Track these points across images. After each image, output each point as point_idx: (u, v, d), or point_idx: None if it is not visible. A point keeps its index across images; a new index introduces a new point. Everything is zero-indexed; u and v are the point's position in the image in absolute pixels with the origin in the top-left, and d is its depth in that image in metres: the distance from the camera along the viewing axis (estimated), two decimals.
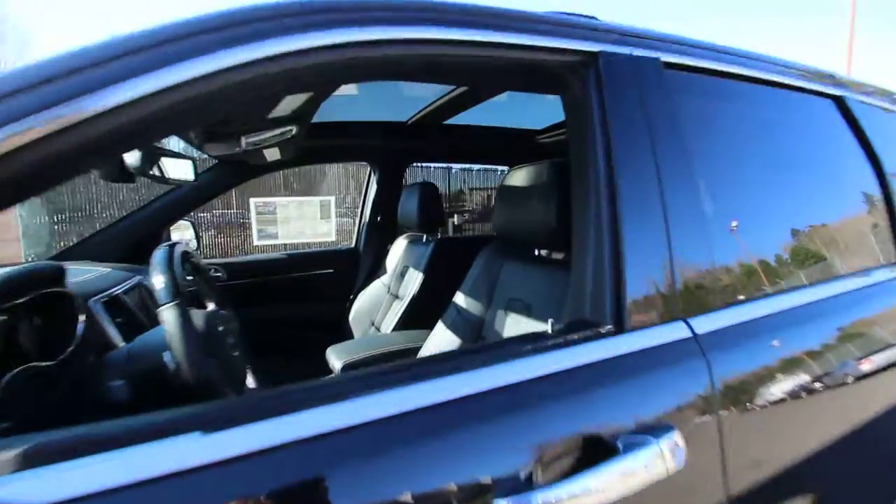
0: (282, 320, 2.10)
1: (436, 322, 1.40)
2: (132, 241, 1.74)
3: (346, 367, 1.32)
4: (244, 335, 1.07)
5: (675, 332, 0.66)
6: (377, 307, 2.02)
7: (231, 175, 1.88)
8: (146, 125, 0.47)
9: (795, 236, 0.91)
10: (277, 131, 1.21)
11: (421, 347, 1.37)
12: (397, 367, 0.58)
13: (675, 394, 0.61)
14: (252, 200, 2.45)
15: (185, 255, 0.93)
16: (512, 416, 0.53)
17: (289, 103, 0.88)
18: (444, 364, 0.57)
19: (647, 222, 0.69)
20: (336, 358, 1.36)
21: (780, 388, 0.70)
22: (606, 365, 0.60)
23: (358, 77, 0.83)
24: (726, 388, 0.65)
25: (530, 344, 0.60)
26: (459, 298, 1.36)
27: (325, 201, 2.45)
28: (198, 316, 0.81)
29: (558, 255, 1.25)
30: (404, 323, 1.71)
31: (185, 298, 0.72)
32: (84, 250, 1.66)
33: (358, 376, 0.60)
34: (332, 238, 2.55)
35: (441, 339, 1.32)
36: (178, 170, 1.25)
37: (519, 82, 0.94)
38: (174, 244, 0.84)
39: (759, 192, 0.87)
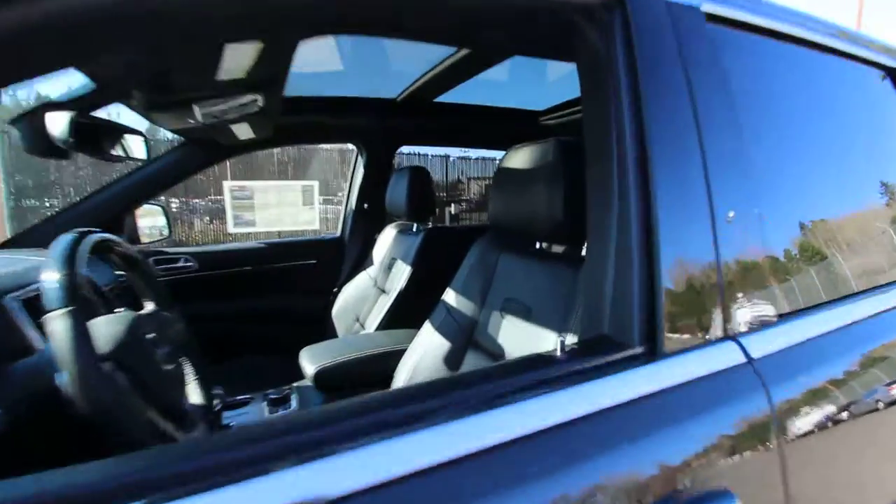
0: (259, 315, 1.94)
1: (424, 320, 1.25)
2: (92, 226, 1.56)
3: (319, 374, 1.16)
4: (194, 340, 0.91)
5: (725, 355, 0.50)
6: (363, 302, 1.86)
7: (201, 155, 1.70)
8: None
9: (863, 229, 0.75)
10: (238, 101, 1.03)
11: (405, 351, 1.22)
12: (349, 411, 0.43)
13: (732, 444, 0.46)
14: (226, 184, 2.24)
15: (109, 245, 0.76)
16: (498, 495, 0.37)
17: (236, 59, 0.72)
18: (411, 407, 0.41)
19: (688, 212, 0.53)
20: (309, 362, 1.20)
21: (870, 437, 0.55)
22: (636, 408, 0.44)
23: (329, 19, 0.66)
24: (794, 430, 0.49)
25: (530, 376, 0.45)
26: (450, 296, 1.20)
27: (307, 186, 2.26)
28: (112, 323, 0.65)
29: (562, 249, 1.09)
30: (390, 320, 1.55)
31: (87, 302, 0.56)
32: (38, 237, 1.49)
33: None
34: (316, 226, 2.37)
35: (428, 343, 1.17)
36: (125, 145, 1.08)
37: (523, 38, 0.77)
38: (86, 232, 0.67)
39: (819, 177, 0.71)
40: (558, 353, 0.49)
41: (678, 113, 0.56)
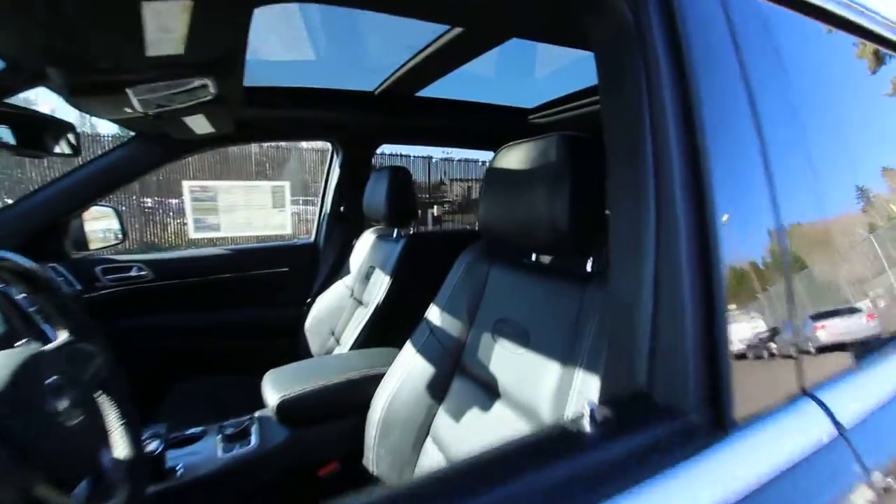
0: (222, 329, 1.76)
1: (406, 338, 1.11)
2: (23, 232, 1.37)
3: (282, 406, 1.01)
4: (121, 375, 0.74)
5: (809, 422, 0.37)
6: (338, 314, 1.70)
7: (156, 151, 1.52)
8: None
9: None
10: (184, 86, 0.87)
11: (383, 375, 1.07)
12: None
13: None
14: (186, 184, 2.04)
15: (5, 267, 0.60)
16: None
17: (164, 26, 0.56)
18: None
19: (752, 223, 0.40)
20: (272, 389, 1.04)
21: None
22: None
23: None
24: None
25: (558, 471, 0.31)
26: (433, 313, 1.06)
27: (277, 187, 2.09)
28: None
29: (558, 261, 0.96)
30: (368, 336, 1.40)
31: None
32: None
33: None
34: (288, 230, 2.19)
35: (409, 367, 1.02)
36: (46, 138, 0.90)
37: (527, 10, 0.64)
38: None
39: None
40: (587, 424, 0.35)
41: (733, 99, 0.43)
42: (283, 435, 1.03)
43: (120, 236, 1.81)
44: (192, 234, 1.97)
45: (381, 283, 1.45)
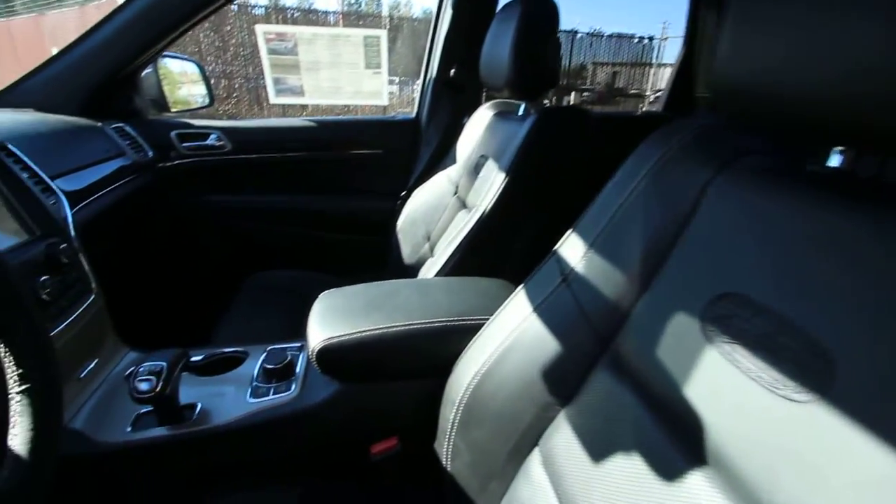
0: (305, 216, 1.51)
1: (520, 272, 0.69)
2: (80, 87, 1.16)
3: (325, 353, 0.68)
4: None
5: None
6: (436, 214, 1.31)
7: None
8: None
9: None
10: None
11: (476, 328, 0.68)
12: None
13: None
14: (259, 28, 1.58)
15: None
16: None
17: None
18: None
19: None
20: (318, 323, 0.72)
21: None
22: None
23: None
24: None
25: None
26: (574, 248, 0.60)
27: (371, 38, 1.54)
28: None
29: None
30: (466, 256, 0.99)
31: None
32: (20, 94, 1.13)
33: None
34: (384, 101, 1.73)
35: (521, 332, 0.61)
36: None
37: None
38: None
39: None
40: None
41: None
42: (330, 389, 0.73)
43: (206, 99, 1.58)
44: (273, 99, 1.65)
45: (492, 182, 0.99)
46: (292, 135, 1.48)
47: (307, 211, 1.50)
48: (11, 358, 0.40)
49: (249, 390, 0.74)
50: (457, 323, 0.72)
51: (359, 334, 0.68)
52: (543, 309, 0.61)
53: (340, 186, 1.54)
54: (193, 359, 0.80)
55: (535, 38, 0.95)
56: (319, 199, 1.52)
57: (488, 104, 1.32)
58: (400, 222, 1.41)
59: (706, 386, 0.41)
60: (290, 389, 0.74)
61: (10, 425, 0.39)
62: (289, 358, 0.79)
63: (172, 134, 1.36)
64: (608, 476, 0.47)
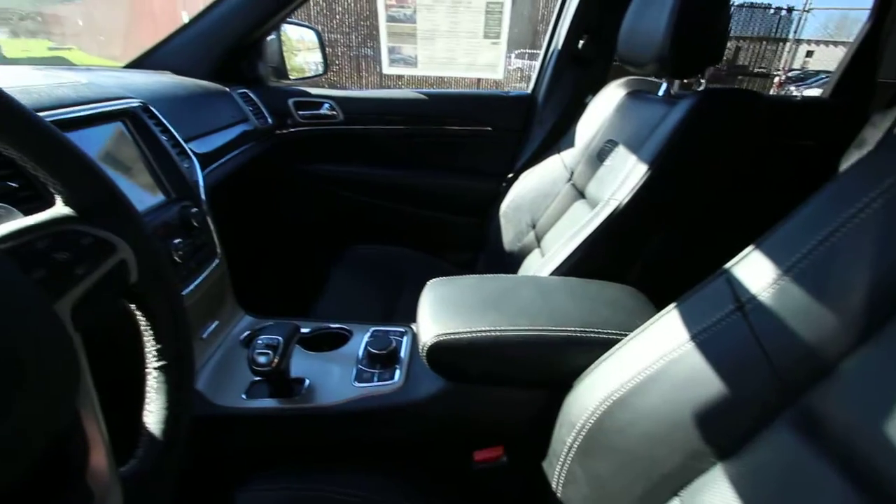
0: (407, 191, 1.48)
1: (666, 285, 0.58)
2: (208, 54, 1.20)
3: (437, 350, 0.63)
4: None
5: None
6: (545, 202, 1.21)
7: None
8: None
9: None
10: None
11: (610, 344, 0.59)
12: None
13: None
14: None
15: None
16: None
17: None
18: None
19: None
20: (430, 315, 0.67)
21: None
22: None
23: None
24: None
25: None
26: (755, 268, 0.48)
27: (494, 3, 1.39)
28: None
29: None
30: (592, 252, 0.88)
31: None
32: (157, 59, 1.20)
33: None
34: (499, 75, 1.61)
35: (671, 362, 0.51)
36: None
37: None
38: None
39: None
40: None
41: None
42: (436, 385, 0.68)
43: (321, 67, 1.59)
44: (386, 70, 1.61)
45: (627, 174, 0.86)
46: (401, 107, 1.44)
47: (408, 186, 1.48)
48: (151, 333, 0.40)
49: (354, 372, 0.72)
50: (585, 335, 0.63)
51: (473, 334, 0.63)
52: (705, 339, 0.50)
53: (444, 163, 1.48)
54: (303, 331, 0.80)
55: (703, 3, 0.79)
56: (421, 175, 1.48)
57: (619, 81, 1.17)
58: (504, 206, 1.33)
59: None
60: (394, 378, 0.71)
61: (146, 401, 0.39)
62: (393, 344, 0.76)
63: (290, 101, 1.39)
64: None
